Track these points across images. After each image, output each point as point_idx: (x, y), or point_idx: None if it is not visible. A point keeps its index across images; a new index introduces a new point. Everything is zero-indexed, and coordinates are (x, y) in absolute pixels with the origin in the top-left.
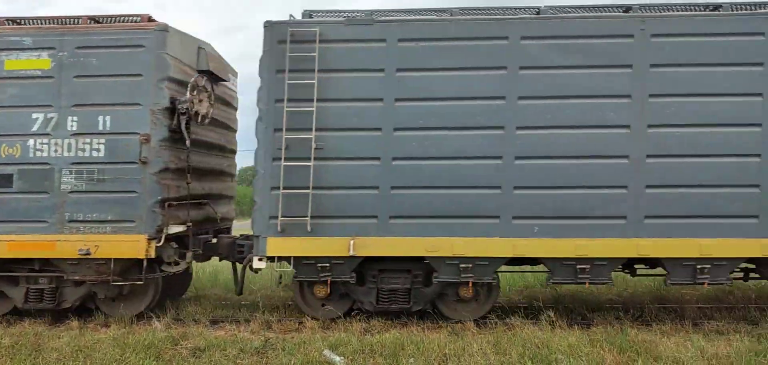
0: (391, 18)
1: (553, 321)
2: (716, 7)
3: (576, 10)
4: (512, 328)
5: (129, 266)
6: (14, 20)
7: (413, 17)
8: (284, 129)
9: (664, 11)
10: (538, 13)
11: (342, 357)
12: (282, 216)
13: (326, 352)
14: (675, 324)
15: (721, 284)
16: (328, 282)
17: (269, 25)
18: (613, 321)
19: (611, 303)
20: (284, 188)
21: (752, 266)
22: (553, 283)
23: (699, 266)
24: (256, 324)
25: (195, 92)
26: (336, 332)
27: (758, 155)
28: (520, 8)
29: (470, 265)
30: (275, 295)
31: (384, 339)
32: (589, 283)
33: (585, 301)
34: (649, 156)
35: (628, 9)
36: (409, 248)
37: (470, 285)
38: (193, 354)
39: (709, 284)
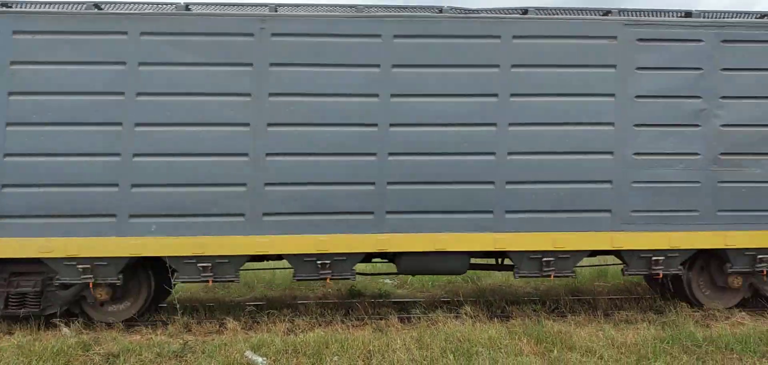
0: None
1: (473, 315)
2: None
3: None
4: (435, 323)
5: None
6: None
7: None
8: None
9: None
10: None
11: (264, 358)
12: None
13: (248, 353)
14: (588, 315)
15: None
16: None
17: None
18: (530, 313)
19: (529, 297)
20: None
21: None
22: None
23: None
24: (175, 327)
25: None
26: (259, 332)
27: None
28: (140, 3)
29: (88, 266)
30: (195, 297)
31: (308, 339)
32: (213, 281)
33: (505, 295)
34: (268, 154)
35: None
36: (22, 249)
37: (104, 286)
38: (106, 361)
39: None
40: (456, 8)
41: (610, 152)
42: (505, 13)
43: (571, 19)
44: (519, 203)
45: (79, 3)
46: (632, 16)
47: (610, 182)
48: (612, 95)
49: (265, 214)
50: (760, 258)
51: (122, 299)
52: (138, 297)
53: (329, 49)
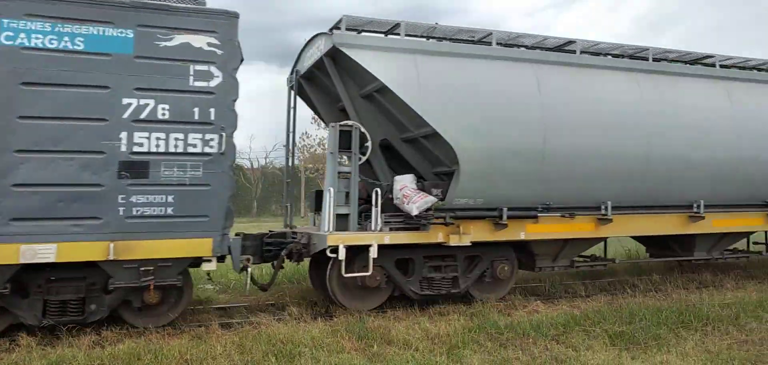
0: None
1: (298, 316)
2: None
3: None
4: (258, 327)
5: None
6: None
7: None
8: None
9: None
10: None
11: None
12: None
13: None
14: (406, 310)
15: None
16: None
17: None
18: (353, 311)
19: None
20: None
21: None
22: None
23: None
24: None
25: None
26: (58, 348)
27: None
28: None
29: None
30: None
31: (117, 352)
32: None
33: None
34: None
35: None
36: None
37: None
38: None
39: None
40: None
41: None
42: None
43: None
44: None
45: None
46: None
47: None
48: None
49: None
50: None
51: None
52: None
53: None
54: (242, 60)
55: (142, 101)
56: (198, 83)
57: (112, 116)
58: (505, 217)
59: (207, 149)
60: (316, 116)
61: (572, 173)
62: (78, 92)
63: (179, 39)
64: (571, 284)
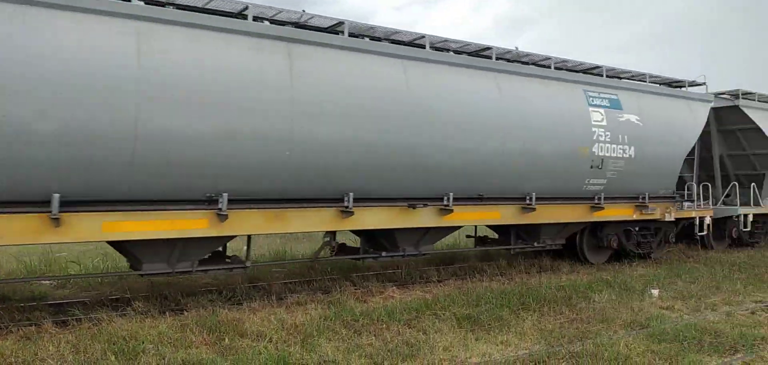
0: None
1: (144, 311)
2: None
3: None
4: (98, 323)
5: None
6: None
7: None
8: None
9: None
10: None
11: None
12: None
13: None
14: (263, 301)
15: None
16: None
17: None
18: (206, 304)
19: (207, 287)
20: None
21: None
22: None
23: None
24: None
25: None
26: None
27: None
28: None
29: None
30: None
31: None
32: None
33: (181, 288)
34: None
35: None
36: None
37: None
38: None
39: None
40: None
41: None
42: None
43: None
44: None
45: None
46: None
47: None
48: None
49: None
50: None
51: None
52: None
53: None
54: None
55: None
56: None
57: None
58: None
59: None
60: None
61: None
62: None
63: None
64: (425, 270)
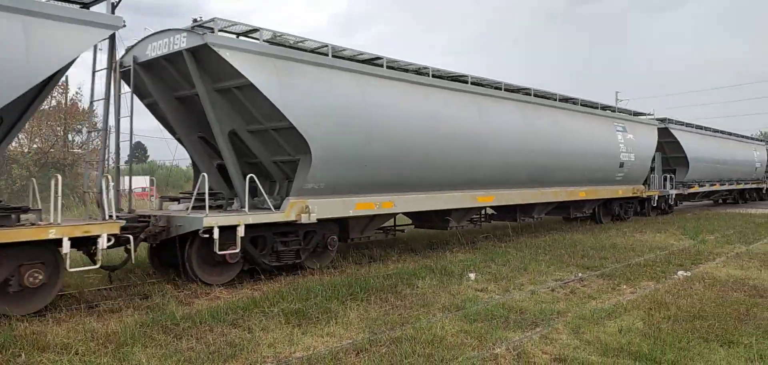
0: None
1: None
2: None
3: None
4: None
5: None
6: None
7: None
8: None
9: None
10: None
11: None
12: None
13: None
14: (70, 311)
15: None
16: None
17: None
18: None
19: None
20: None
21: None
22: None
23: None
24: None
25: None
26: None
27: None
28: None
29: None
30: None
31: None
32: None
33: None
34: None
35: None
36: None
37: None
38: None
39: None
40: None
41: None
42: None
43: None
44: None
45: None
46: None
47: None
48: None
49: None
50: None
51: None
52: None
53: None
54: None
55: None
56: None
57: None
58: None
59: None
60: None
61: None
62: None
63: None
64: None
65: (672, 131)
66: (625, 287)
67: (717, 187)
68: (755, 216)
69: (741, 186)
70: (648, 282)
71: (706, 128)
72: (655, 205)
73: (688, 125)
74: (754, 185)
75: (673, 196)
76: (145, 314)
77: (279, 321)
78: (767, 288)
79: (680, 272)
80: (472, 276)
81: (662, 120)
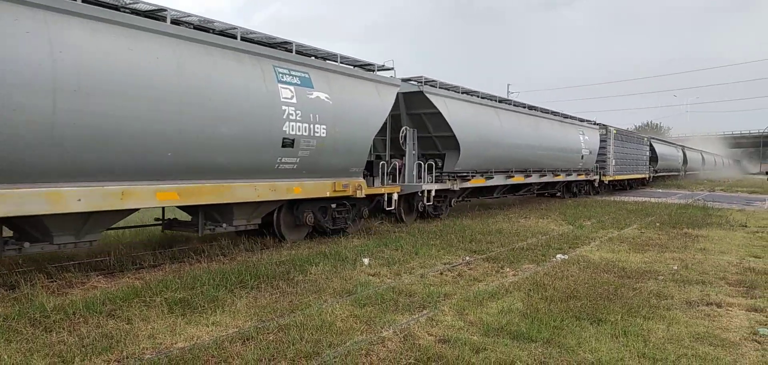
0: None
1: None
2: None
3: None
4: None
5: None
6: None
7: None
8: None
9: None
10: None
11: None
12: None
13: None
14: None
15: None
16: None
17: None
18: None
19: None
20: None
21: None
22: None
23: None
24: None
25: None
26: None
27: None
28: None
29: None
30: None
31: None
32: None
33: None
34: None
35: None
36: None
37: None
38: None
39: None
40: None
41: None
42: None
43: None
44: None
45: None
46: None
47: None
48: None
49: None
50: None
51: None
52: None
53: None
54: None
55: None
56: None
57: None
58: None
59: None
60: None
61: None
62: None
63: None
64: (140, 254)
65: (429, 96)
66: (508, 269)
67: (482, 182)
68: (627, 203)
69: (556, 179)
70: (529, 265)
71: (489, 97)
72: (390, 208)
73: (452, 88)
74: (582, 178)
75: (432, 194)
76: (10, 306)
77: (161, 311)
78: (634, 269)
79: (559, 256)
80: (365, 260)
81: (408, 80)
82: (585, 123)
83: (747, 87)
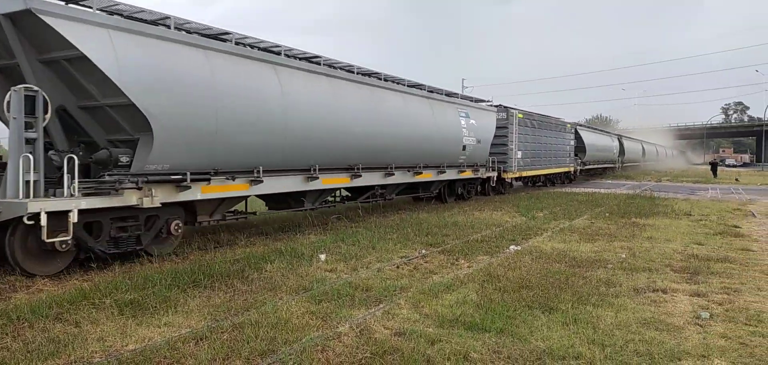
0: None
1: None
2: None
3: None
4: None
5: None
6: None
7: None
8: None
9: None
10: None
11: None
12: None
13: None
14: None
15: None
16: None
17: None
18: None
19: None
20: None
21: None
22: None
23: None
24: None
25: None
26: None
27: None
28: None
29: None
30: None
31: None
32: None
33: None
34: None
35: None
36: None
37: None
38: None
39: None
40: None
41: None
42: None
43: None
44: None
45: None
46: None
47: None
48: None
49: None
50: None
51: None
52: None
53: None
54: None
55: None
56: None
57: None
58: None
59: None
60: None
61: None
62: None
63: None
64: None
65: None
66: (462, 261)
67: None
68: (578, 195)
69: (418, 179)
70: (483, 257)
71: (258, 44)
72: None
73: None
74: (468, 176)
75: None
76: None
77: (111, 313)
78: (584, 259)
79: (512, 247)
80: (322, 256)
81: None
82: (473, 104)
83: (691, 81)
